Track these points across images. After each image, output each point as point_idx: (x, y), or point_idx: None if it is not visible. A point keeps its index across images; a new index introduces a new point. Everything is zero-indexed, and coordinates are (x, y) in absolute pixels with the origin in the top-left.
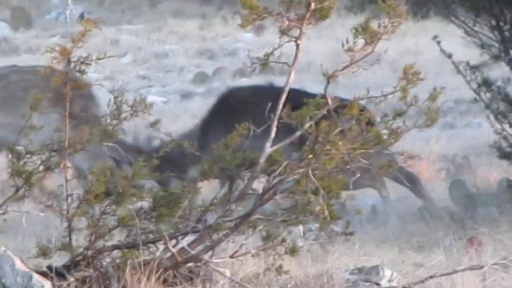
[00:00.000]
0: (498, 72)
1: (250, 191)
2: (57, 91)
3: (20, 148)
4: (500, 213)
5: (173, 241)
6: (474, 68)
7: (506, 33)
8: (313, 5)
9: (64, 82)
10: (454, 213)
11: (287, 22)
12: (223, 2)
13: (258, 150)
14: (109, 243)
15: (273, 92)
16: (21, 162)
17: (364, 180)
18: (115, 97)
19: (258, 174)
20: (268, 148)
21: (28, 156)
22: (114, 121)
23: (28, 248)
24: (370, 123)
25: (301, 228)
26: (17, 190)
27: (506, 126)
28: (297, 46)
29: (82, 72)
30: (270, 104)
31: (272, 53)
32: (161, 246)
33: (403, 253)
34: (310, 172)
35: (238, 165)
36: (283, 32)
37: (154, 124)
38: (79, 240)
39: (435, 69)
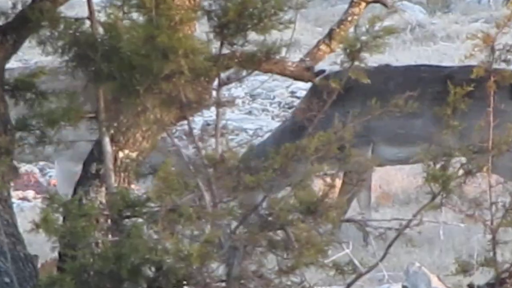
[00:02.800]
0: None
1: None
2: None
3: (434, 149)
4: None
5: None
6: None
7: None
8: None
9: (488, 73)
10: None
11: None
12: None
13: None
14: None
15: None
16: (438, 166)
17: None
18: None
19: None
20: None
21: (445, 158)
22: None
23: (446, 264)
24: None
25: None
26: (433, 197)
27: None
28: None
29: (507, 62)
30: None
31: None
32: None
33: None
34: None
35: None
36: None
37: None
38: (505, 255)
39: None
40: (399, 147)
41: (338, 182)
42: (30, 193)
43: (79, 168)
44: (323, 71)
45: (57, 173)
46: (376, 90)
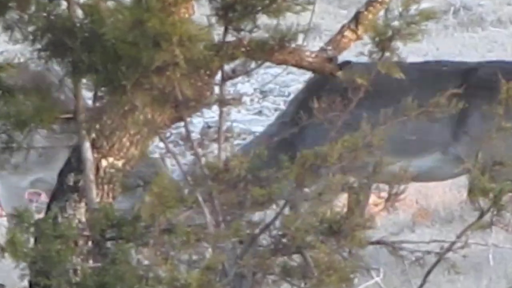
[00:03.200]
0: None
1: None
2: None
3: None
4: None
5: None
6: None
7: None
8: None
9: None
10: None
11: None
12: None
13: None
14: None
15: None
16: (486, 176)
17: None
18: None
19: None
20: None
21: (496, 168)
22: None
23: None
24: None
25: None
26: (481, 215)
27: None
28: None
29: None
30: None
31: None
32: None
33: None
34: None
35: None
36: None
37: None
38: None
39: None
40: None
41: (368, 197)
42: None
43: (26, 182)
44: (348, 62)
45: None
46: (387, 88)
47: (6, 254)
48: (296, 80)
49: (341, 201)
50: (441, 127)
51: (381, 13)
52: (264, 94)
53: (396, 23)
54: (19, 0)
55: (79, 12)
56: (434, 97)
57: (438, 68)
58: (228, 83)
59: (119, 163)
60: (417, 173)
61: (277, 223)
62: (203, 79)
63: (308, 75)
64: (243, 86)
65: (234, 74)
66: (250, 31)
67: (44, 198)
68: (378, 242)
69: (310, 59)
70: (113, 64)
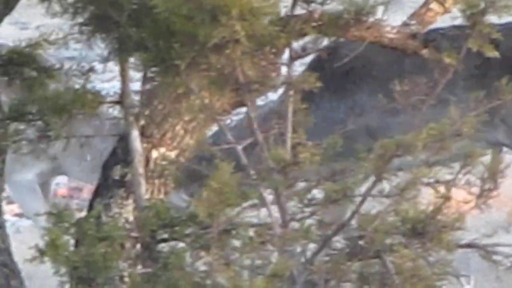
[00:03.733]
0: None
1: None
2: None
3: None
4: None
5: None
6: None
7: None
8: None
9: None
10: None
11: None
12: None
13: None
14: None
15: None
16: None
17: None
18: None
19: None
20: None
21: None
22: None
23: None
24: None
25: None
26: None
27: None
28: None
29: None
30: None
31: None
32: None
33: None
34: None
35: None
36: None
37: None
38: None
39: None
40: None
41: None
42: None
43: (31, 175)
44: (434, 39)
45: (13, 193)
46: (391, 71)
47: (46, 259)
48: None
49: (426, 198)
50: None
51: None
52: None
53: None
54: None
55: None
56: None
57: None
58: (297, 62)
59: (172, 154)
60: None
61: (353, 223)
62: (267, 58)
63: None
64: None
65: (303, 52)
66: (322, 3)
67: (86, 194)
68: (468, 245)
69: (391, 35)
70: (165, 41)
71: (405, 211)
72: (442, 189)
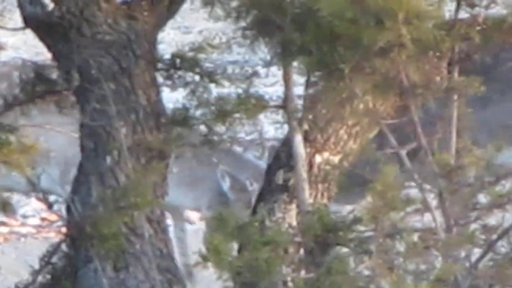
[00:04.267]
0: None
1: None
2: None
3: None
4: None
5: None
6: None
7: None
8: None
9: None
10: None
11: None
12: None
13: None
14: None
15: None
16: None
17: None
18: None
19: None
20: None
21: None
22: None
23: None
24: None
25: None
26: None
27: None
28: None
29: None
30: None
31: None
32: None
33: None
34: None
35: None
36: None
37: None
38: None
39: None
40: None
41: None
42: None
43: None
44: None
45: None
46: None
47: (209, 264)
48: None
49: None
50: None
51: None
52: None
53: None
54: None
55: None
56: None
57: None
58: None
59: (336, 159)
60: None
61: None
62: (432, 62)
63: None
64: None
65: (467, 56)
66: (486, 7)
67: None
68: None
69: None
70: (329, 45)
71: None
72: None
